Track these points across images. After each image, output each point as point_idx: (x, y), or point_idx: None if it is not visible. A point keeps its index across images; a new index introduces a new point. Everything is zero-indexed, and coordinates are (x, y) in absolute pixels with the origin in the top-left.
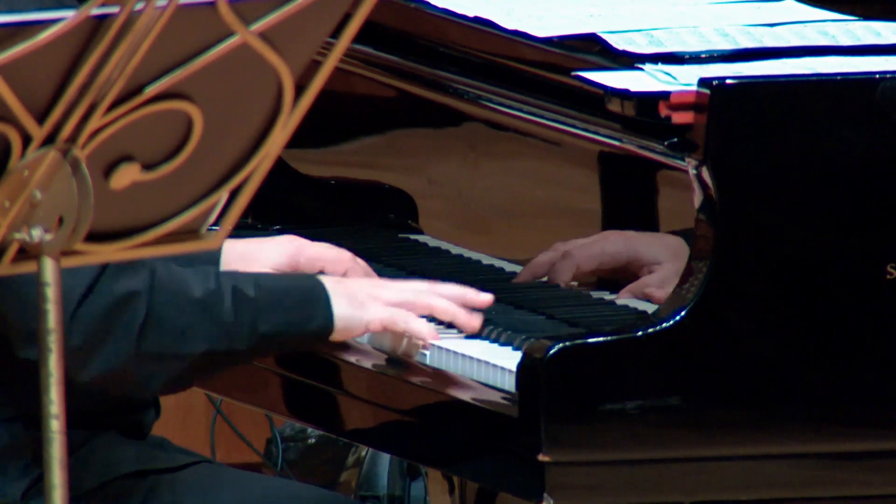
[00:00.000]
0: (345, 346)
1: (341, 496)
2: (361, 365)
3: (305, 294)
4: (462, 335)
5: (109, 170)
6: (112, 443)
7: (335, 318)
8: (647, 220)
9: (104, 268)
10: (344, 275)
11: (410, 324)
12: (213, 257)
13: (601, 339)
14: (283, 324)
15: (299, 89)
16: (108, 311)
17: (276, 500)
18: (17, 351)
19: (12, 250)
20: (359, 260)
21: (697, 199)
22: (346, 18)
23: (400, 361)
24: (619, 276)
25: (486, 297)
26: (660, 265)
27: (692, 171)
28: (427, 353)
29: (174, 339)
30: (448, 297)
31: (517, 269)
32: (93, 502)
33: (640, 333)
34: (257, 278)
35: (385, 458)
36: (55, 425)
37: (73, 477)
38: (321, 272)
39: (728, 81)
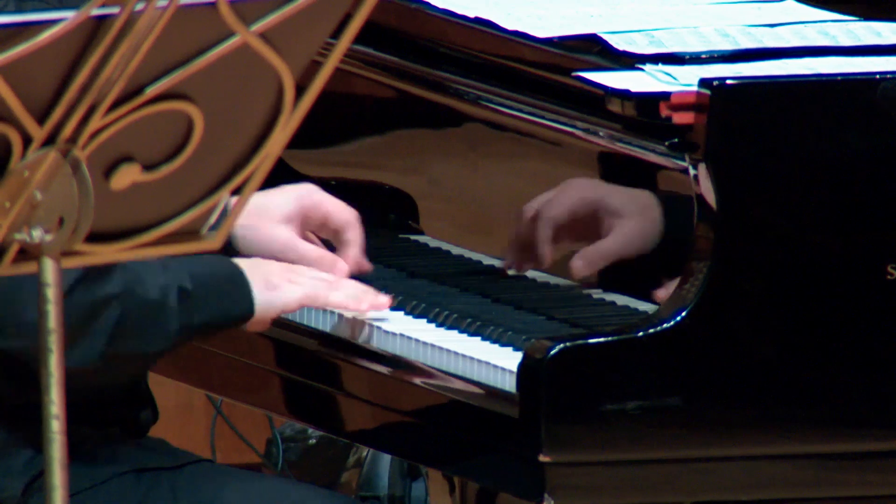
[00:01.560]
0: (345, 346)
1: (342, 496)
2: (362, 365)
3: (229, 282)
4: (464, 335)
5: (110, 170)
6: (112, 440)
7: (255, 304)
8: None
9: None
10: (344, 241)
11: (330, 297)
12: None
13: (602, 339)
14: (212, 315)
15: (300, 90)
16: (86, 313)
17: (277, 500)
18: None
19: (13, 251)
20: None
21: (697, 199)
22: (347, 19)
23: (399, 361)
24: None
25: (384, 300)
26: (622, 219)
27: (692, 172)
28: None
29: (137, 341)
30: (348, 293)
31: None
32: (92, 500)
33: (640, 334)
34: (191, 269)
35: (385, 459)
36: (55, 425)
37: (73, 474)
38: (325, 227)
39: (728, 82)
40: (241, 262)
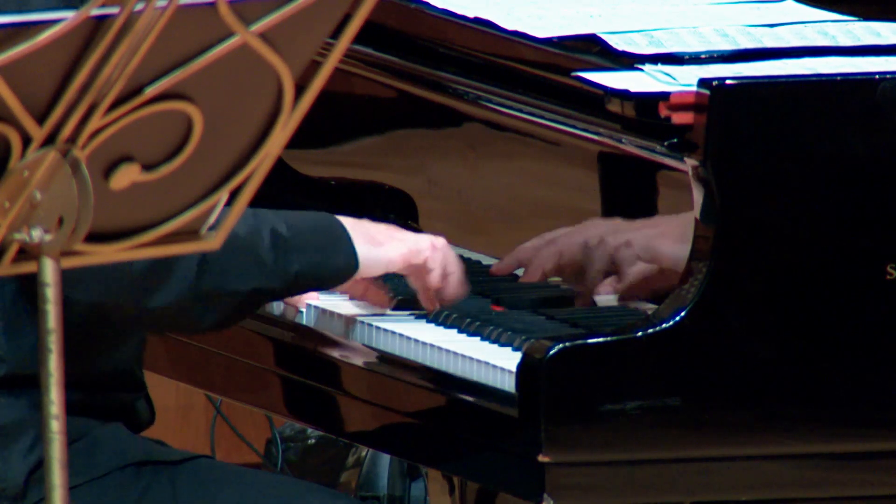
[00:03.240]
0: (345, 347)
1: (341, 493)
2: (361, 365)
3: (329, 234)
4: (464, 335)
5: (109, 170)
6: (113, 433)
7: (359, 257)
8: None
9: None
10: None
11: (429, 260)
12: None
13: (601, 339)
14: (312, 263)
15: (299, 90)
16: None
17: (277, 497)
18: (148, 304)
19: (12, 251)
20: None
21: (697, 199)
22: (346, 18)
23: (398, 361)
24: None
25: (462, 292)
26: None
27: (692, 172)
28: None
29: (225, 278)
30: (453, 270)
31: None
32: (92, 492)
33: (640, 334)
34: (286, 217)
35: (385, 459)
36: (55, 425)
37: (74, 466)
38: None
39: (728, 82)
40: (343, 219)
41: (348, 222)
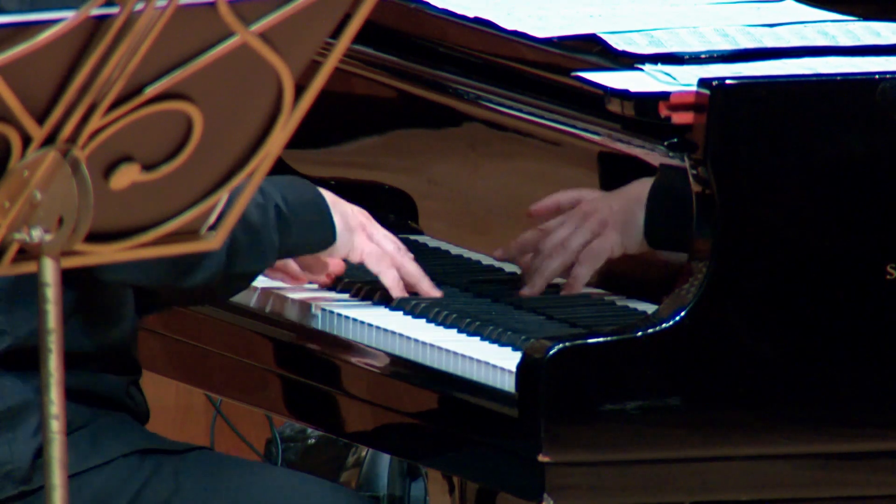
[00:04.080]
0: (345, 347)
1: (341, 487)
2: (361, 365)
3: (315, 209)
4: (464, 334)
5: (109, 170)
6: (117, 422)
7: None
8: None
9: None
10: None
11: (387, 272)
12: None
13: (601, 339)
14: (299, 237)
15: (299, 89)
16: None
17: (277, 488)
18: (183, 284)
19: (12, 250)
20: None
21: (697, 199)
22: (346, 18)
23: (398, 361)
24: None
25: (436, 293)
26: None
27: (692, 172)
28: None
29: (249, 260)
30: (412, 271)
31: (517, 269)
32: (95, 480)
33: (640, 334)
34: (283, 191)
35: (385, 458)
36: (55, 425)
37: (78, 453)
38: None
39: (728, 82)
40: (325, 193)
41: (329, 198)
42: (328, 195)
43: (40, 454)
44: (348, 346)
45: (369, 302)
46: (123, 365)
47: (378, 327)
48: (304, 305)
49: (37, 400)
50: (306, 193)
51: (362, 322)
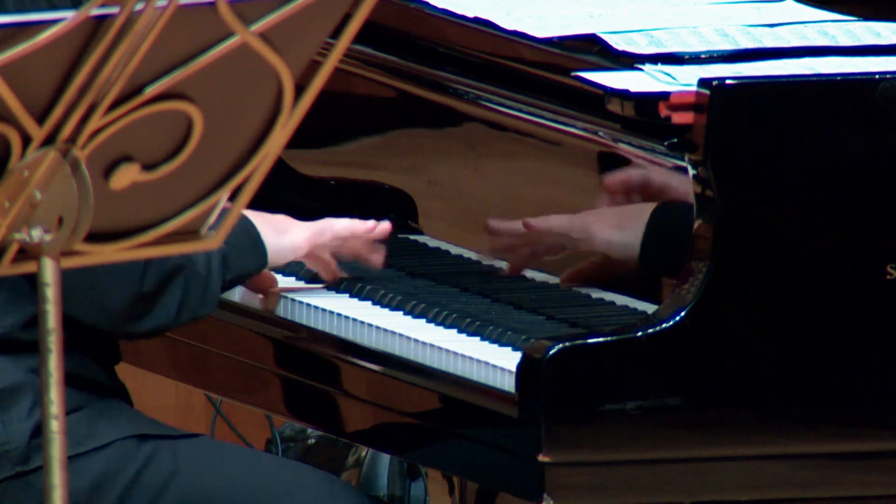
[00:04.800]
0: (344, 346)
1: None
2: (361, 365)
3: (248, 237)
4: (464, 334)
5: (109, 170)
6: (114, 405)
7: (268, 252)
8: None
9: None
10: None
11: (336, 226)
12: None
13: (601, 339)
14: (238, 270)
15: (299, 89)
16: (165, 278)
17: (274, 474)
18: (131, 329)
19: (12, 250)
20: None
21: (697, 199)
22: (346, 18)
23: (398, 361)
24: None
25: (383, 226)
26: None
27: (691, 171)
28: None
29: (196, 308)
30: (345, 226)
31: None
32: (93, 463)
33: (640, 334)
34: None
35: (385, 458)
36: (55, 425)
37: (77, 436)
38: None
39: (728, 82)
40: (251, 214)
41: (254, 217)
42: (253, 214)
43: (36, 434)
44: (348, 346)
45: (369, 302)
46: (105, 349)
47: (378, 327)
48: (305, 305)
49: (29, 380)
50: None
51: (362, 322)
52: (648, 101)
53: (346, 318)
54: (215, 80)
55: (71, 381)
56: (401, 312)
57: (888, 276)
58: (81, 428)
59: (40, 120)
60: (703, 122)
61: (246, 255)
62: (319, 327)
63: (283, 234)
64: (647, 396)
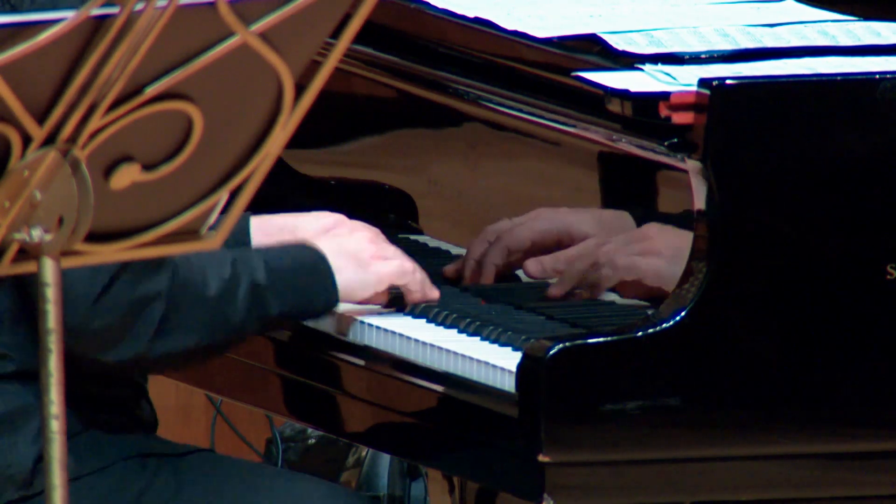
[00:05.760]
0: (345, 346)
1: (340, 487)
2: (361, 365)
3: (311, 270)
4: (464, 334)
5: (109, 170)
6: (116, 426)
7: (340, 290)
8: (646, 221)
9: (126, 263)
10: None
11: (417, 275)
12: (243, 227)
13: (601, 339)
14: (293, 305)
15: (299, 89)
16: (129, 308)
17: (278, 490)
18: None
19: (12, 250)
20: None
21: (697, 199)
22: (346, 18)
23: (398, 361)
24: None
25: (435, 294)
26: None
27: (692, 172)
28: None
29: (186, 337)
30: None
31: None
32: (95, 484)
33: (640, 333)
34: (266, 259)
35: (385, 458)
36: (55, 425)
37: (80, 457)
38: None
39: (728, 82)
40: (326, 247)
41: (331, 249)
42: (331, 246)
43: (41, 458)
44: (348, 346)
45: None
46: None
47: (378, 327)
48: None
49: (37, 404)
50: (301, 257)
51: (362, 322)
52: (648, 101)
53: (346, 318)
54: (215, 80)
55: (87, 402)
56: (401, 312)
57: (888, 276)
58: (84, 449)
59: (40, 120)
60: (704, 122)
61: (305, 290)
62: (320, 328)
63: (367, 268)
64: (647, 396)
